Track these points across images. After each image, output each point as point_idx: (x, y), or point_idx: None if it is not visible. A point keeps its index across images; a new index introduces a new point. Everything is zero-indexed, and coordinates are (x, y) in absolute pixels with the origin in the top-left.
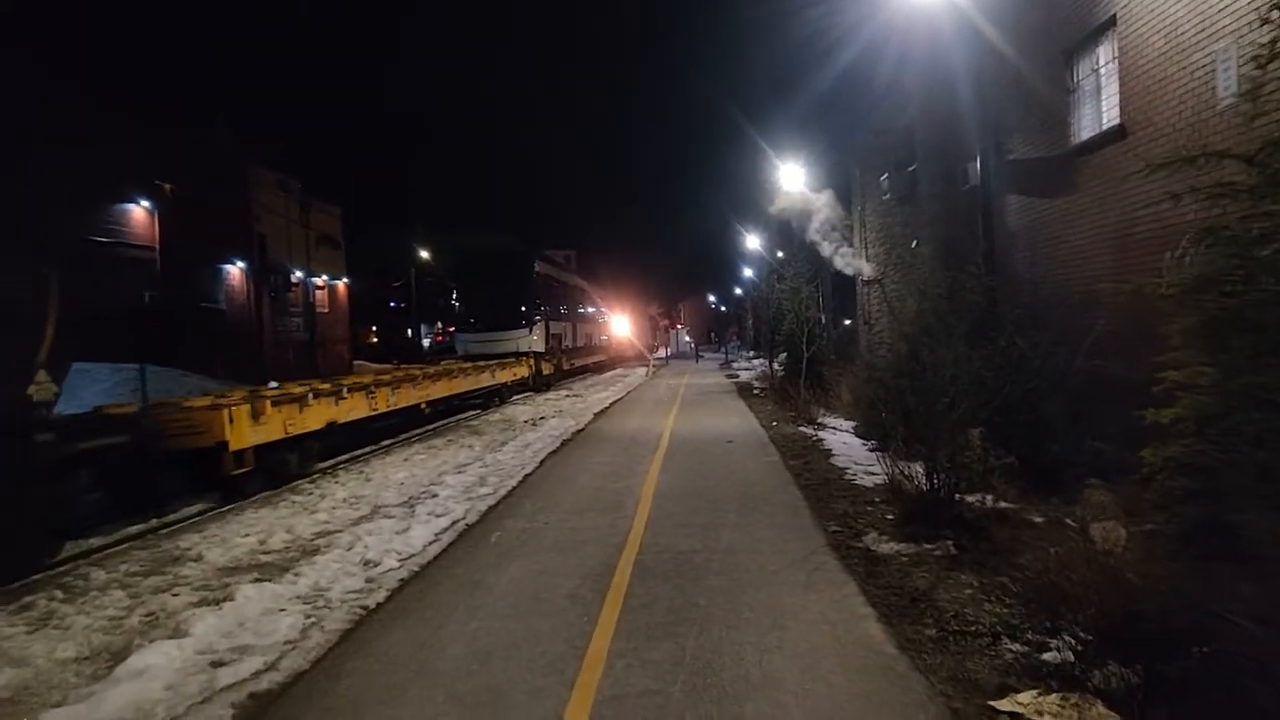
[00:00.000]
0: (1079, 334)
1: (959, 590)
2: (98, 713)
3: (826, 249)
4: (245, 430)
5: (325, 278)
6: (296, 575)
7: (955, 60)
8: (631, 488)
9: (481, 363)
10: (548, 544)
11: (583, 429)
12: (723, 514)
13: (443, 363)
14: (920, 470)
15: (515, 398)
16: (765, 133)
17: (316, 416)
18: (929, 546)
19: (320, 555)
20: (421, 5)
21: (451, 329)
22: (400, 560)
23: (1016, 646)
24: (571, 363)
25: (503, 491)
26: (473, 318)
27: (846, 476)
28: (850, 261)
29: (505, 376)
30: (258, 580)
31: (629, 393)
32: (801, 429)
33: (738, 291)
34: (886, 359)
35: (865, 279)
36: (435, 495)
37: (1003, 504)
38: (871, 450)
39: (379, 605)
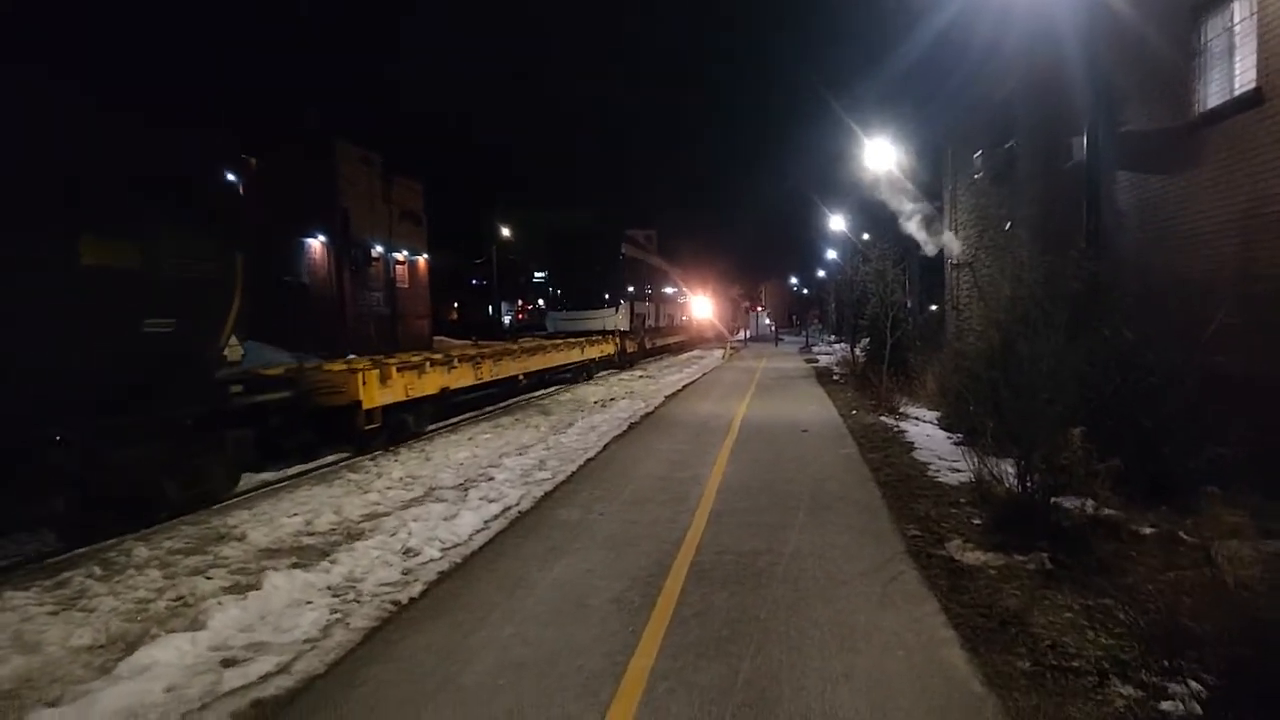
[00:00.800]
0: (1195, 327)
1: (1057, 614)
2: (86, 717)
3: (914, 230)
4: (375, 391)
5: (406, 253)
6: (333, 562)
7: (1062, 24)
8: (696, 478)
9: (571, 339)
10: (600, 539)
11: (652, 412)
12: (792, 512)
13: (522, 339)
14: (1011, 471)
15: (589, 379)
16: (852, 108)
17: (432, 383)
18: (1021, 559)
19: (362, 540)
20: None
21: (529, 306)
22: (442, 550)
23: (1128, 690)
24: (654, 342)
25: (561, 477)
26: (562, 296)
27: (929, 473)
28: (940, 242)
29: (594, 353)
30: (294, 566)
31: (704, 375)
32: (882, 419)
33: (820, 274)
34: (976, 347)
35: (955, 262)
36: (491, 479)
37: (1106, 511)
38: (957, 445)
39: (411, 601)
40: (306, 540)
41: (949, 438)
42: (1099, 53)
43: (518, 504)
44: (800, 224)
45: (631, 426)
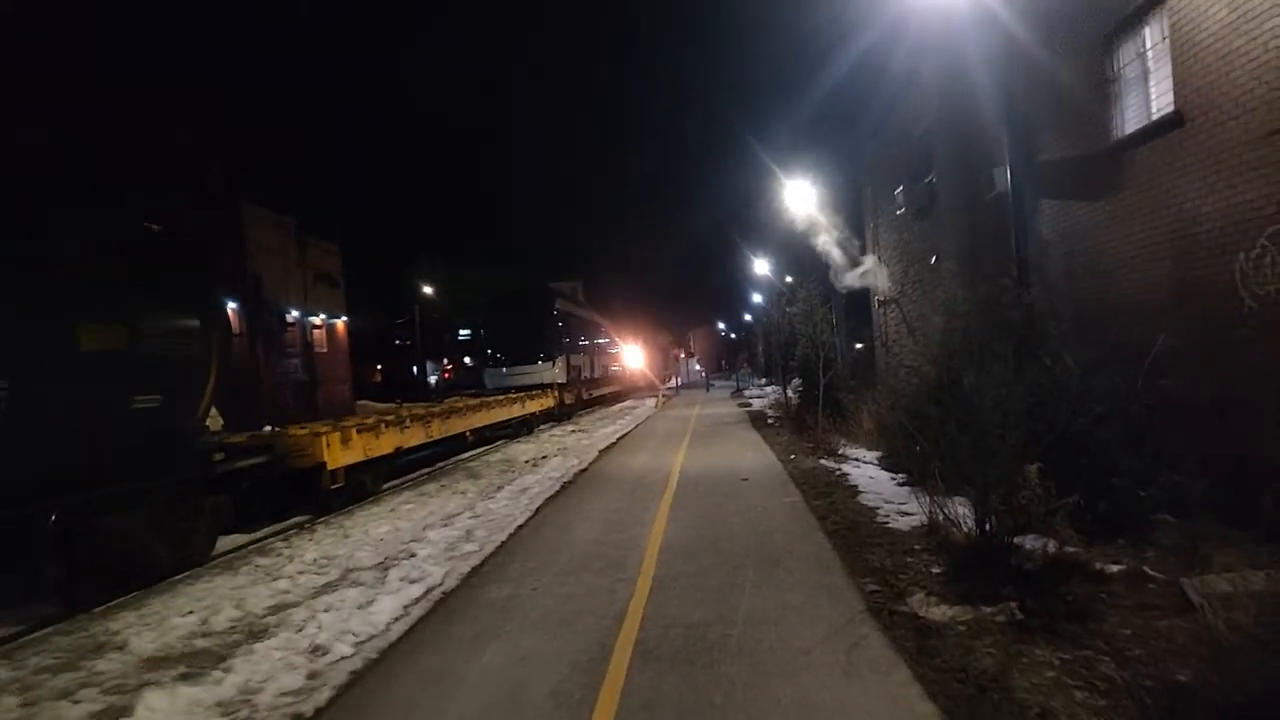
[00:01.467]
0: (1135, 352)
1: (1038, 673)
2: None
3: (838, 269)
4: (337, 453)
5: (323, 316)
6: (226, 670)
7: (976, 59)
8: (635, 540)
9: (513, 395)
10: (534, 618)
11: (586, 469)
12: (740, 571)
13: (450, 399)
14: (966, 512)
15: (529, 433)
16: (772, 148)
17: (388, 443)
18: (989, 610)
19: (264, 640)
20: (427, 27)
21: (454, 365)
22: (355, 645)
23: None
24: (590, 393)
25: (490, 548)
26: (499, 353)
27: (879, 519)
28: (864, 279)
29: (534, 407)
30: (181, 678)
31: (637, 426)
32: (822, 462)
33: (747, 318)
34: (913, 384)
35: (882, 299)
36: (414, 555)
37: (1068, 549)
38: (901, 485)
39: (318, 712)
40: (199, 643)
41: (893, 479)
42: (1013, 84)
43: (442, 583)
44: (725, 268)
45: (565, 486)
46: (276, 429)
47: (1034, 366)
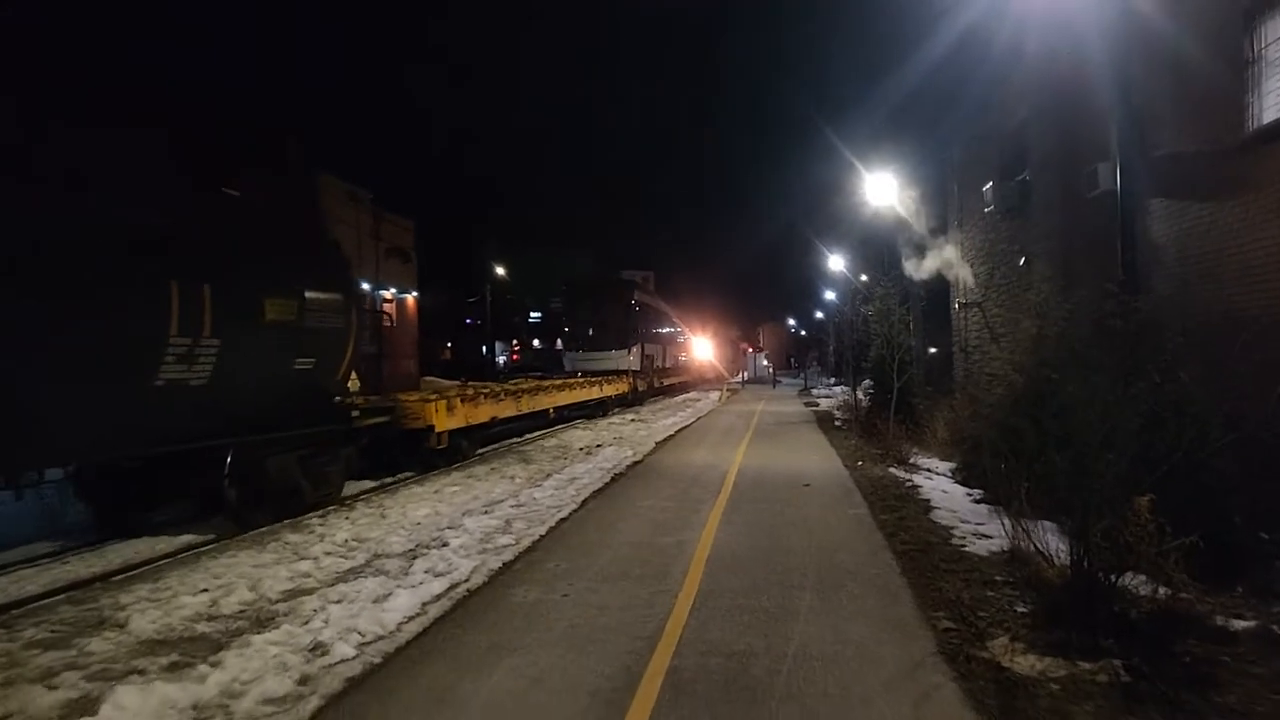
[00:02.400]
0: (1259, 372)
1: None
2: None
3: (916, 268)
4: (443, 418)
5: (394, 291)
6: (215, 665)
7: (1085, 41)
8: (682, 545)
9: (592, 378)
10: (559, 631)
11: (640, 461)
12: (795, 593)
13: (516, 380)
14: (1058, 543)
15: (605, 415)
16: (852, 144)
17: (484, 412)
18: (1088, 665)
19: (267, 630)
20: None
21: (523, 347)
22: (359, 646)
23: None
24: (661, 381)
25: (527, 542)
26: (579, 338)
27: (953, 541)
28: (949, 273)
29: (610, 390)
30: (168, 669)
31: (698, 419)
32: (891, 470)
33: (818, 315)
34: (996, 393)
35: (963, 302)
36: (446, 544)
37: (1181, 596)
38: (978, 503)
39: None
40: (200, 628)
41: (969, 495)
42: (1127, 69)
43: (468, 579)
44: (798, 264)
45: (615, 479)
46: (394, 395)
47: (1142, 383)
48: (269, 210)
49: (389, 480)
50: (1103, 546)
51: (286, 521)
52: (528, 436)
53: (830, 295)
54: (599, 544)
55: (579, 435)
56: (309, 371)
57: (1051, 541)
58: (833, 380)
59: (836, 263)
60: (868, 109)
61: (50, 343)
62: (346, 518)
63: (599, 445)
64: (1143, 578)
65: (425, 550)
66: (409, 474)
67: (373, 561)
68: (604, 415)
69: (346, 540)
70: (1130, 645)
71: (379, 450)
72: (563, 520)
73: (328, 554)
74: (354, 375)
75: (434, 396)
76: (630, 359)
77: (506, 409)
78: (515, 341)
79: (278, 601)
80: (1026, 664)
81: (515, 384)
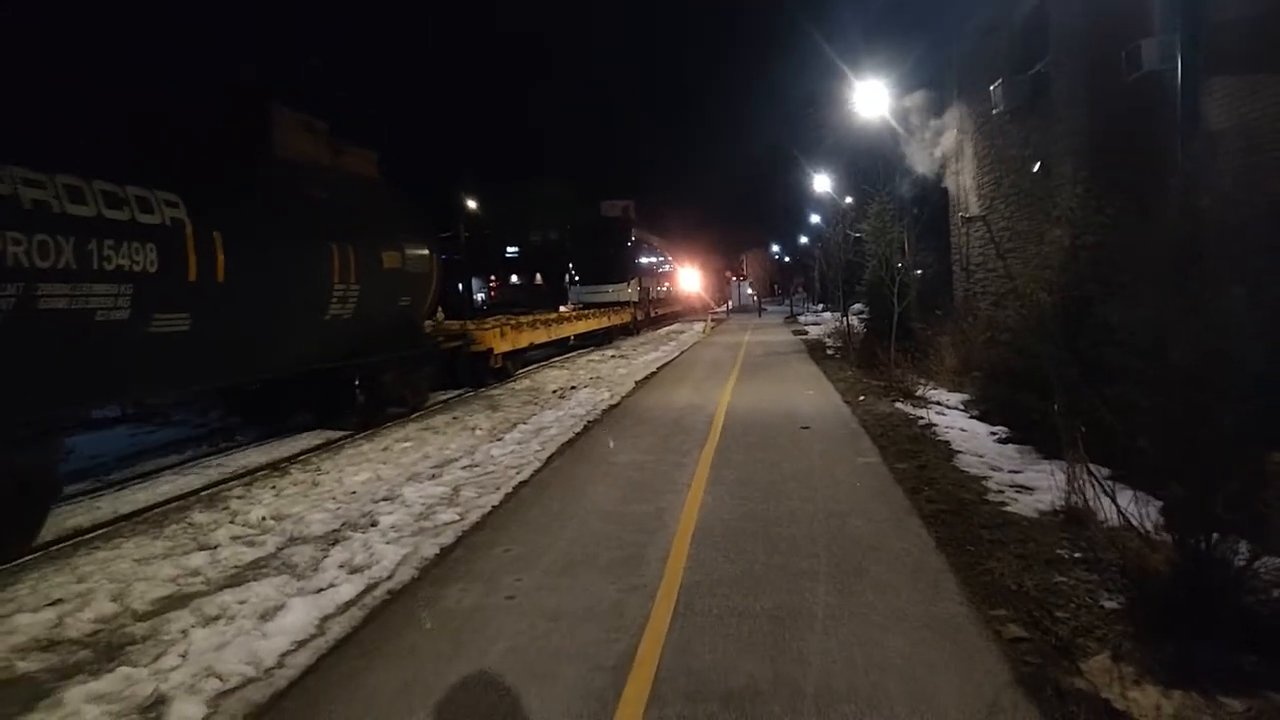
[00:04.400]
0: None
1: None
2: None
3: (912, 182)
4: (499, 343)
5: None
6: None
7: None
8: (662, 515)
9: (599, 310)
10: (493, 658)
11: (617, 404)
12: (805, 583)
13: (495, 317)
14: (1130, 504)
15: (610, 343)
16: (840, 48)
17: (525, 339)
18: (1230, 700)
19: (101, 674)
20: None
21: (498, 283)
22: (211, 701)
23: None
24: (655, 311)
25: (474, 516)
26: (584, 273)
27: (990, 496)
28: (947, 186)
29: (616, 320)
30: None
31: (681, 353)
32: (898, 405)
33: (803, 240)
34: (1017, 315)
35: (965, 216)
36: (376, 523)
37: None
38: (1004, 443)
39: None
40: (21, 667)
41: (992, 434)
42: None
43: (391, 576)
44: (781, 187)
45: (588, 427)
46: (465, 324)
47: (1216, 300)
48: (370, 178)
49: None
50: (1231, 520)
51: (205, 492)
52: (495, 386)
53: (815, 219)
54: (561, 516)
55: (554, 375)
56: (408, 307)
57: (1130, 507)
58: (820, 306)
59: (822, 183)
60: (857, 5)
61: (286, 286)
62: (273, 486)
63: (573, 387)
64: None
65: (349, 533)
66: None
67: (282, 550)
68: (609, 344)
69: (262, 519)
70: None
71: (452, 368)
72: (522, 485)
73: (234, 539)
74: (440, 310)
75: (490, 325)
76: (629, 292)
77: (540, 335)
78: (493, 277)
79: (137, 620)
80: (1148, 703)
81: (544, 316)
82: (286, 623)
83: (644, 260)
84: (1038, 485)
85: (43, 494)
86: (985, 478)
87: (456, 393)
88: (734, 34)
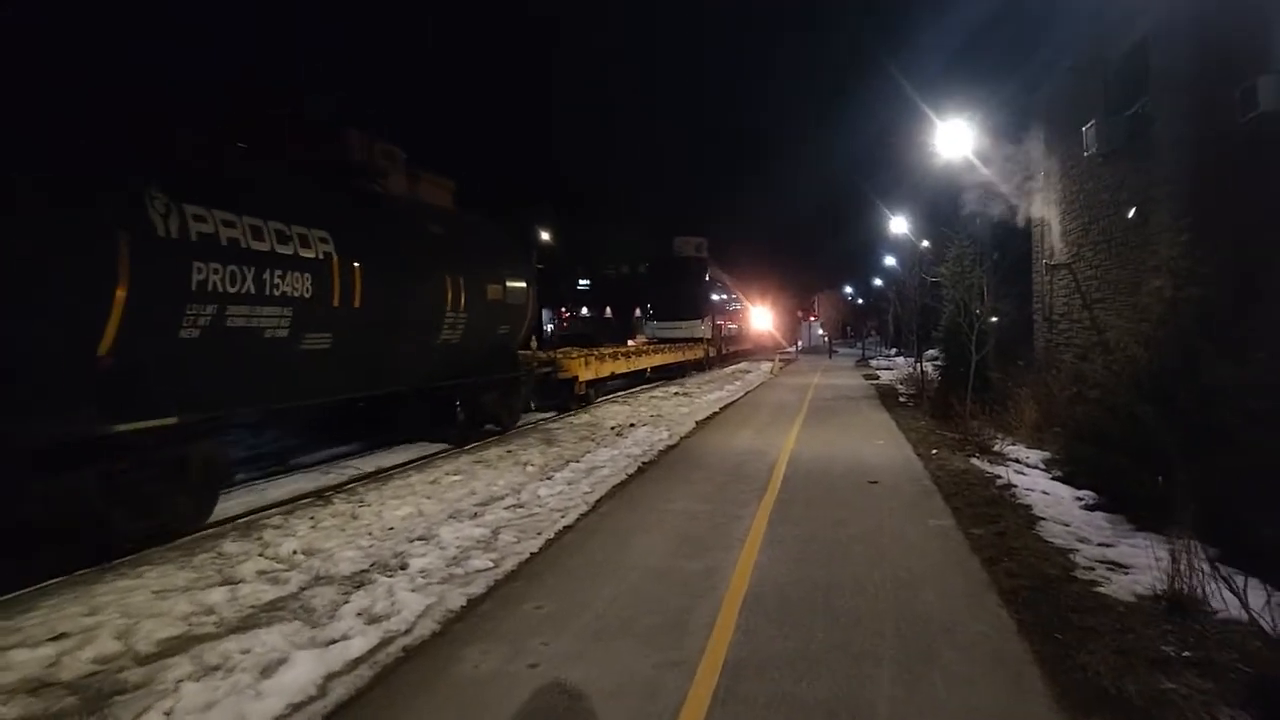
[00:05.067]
0: None
1: None
2: None
3: (995, 225)
4: (584, 371)
5: None
6: None
7: None
8: (712, 574)
9: (675, 345)
10: None
11: (675, 445)
12: (867, 668)
13: (565, 349)
14: (1255, 599)
15: (683, 376)
16: (921, 88)
17: (607, 368)
18: None
19: None
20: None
21: (567, 315)
22: None
23: None
24: (728, 348)
25: (510, 564)
26: (659, 309)
27: (1079, 572)
28: (1031, 231)
29: (690, 355)
30: None
31: (747, 393)
32: (974, 462)
33: (877, 282)
34: (1107, 370)
35: (1050, 262)
36: (406, 566)
37: None
38: (1090, 509)
39: None
40: (3, 712)
41: (1078, 499)
42: None
43: (410, 629)
44: (855, 228)
45: (642, 469)
46: (554, 352)
47: None
48: (472, 217)
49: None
50: None
51: (239, 520)
52: (553, 417)
53: (890, 261)
54: (603, 569)
55: (614, 411)
56: (506, 334)
57: (1240, 593)
58: (894, 351)
59: (899, 224)
60: (939, 43)
61: (407, 312)
62: (312, 517)
63: (632, 425)
64: None
65: (376, 575)
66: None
67: (304, 591)
68: (682, 377)
69: (292, 553)
70: None
71: (542, 392)
72: (566, 530)
73: (259, 574)
74: (534, 338)
75: (576, 355)
76: (703, 328)
77: (621, 366)
78: (565, 310)
79: (141, 661)
80: None
81: (624, 349)
82: (287, 680)
83: (716, 298)
84: (1134, 563)
85: (220, 475)
86: (1072, 550)
87: (543, 415)
88: (813, 70)
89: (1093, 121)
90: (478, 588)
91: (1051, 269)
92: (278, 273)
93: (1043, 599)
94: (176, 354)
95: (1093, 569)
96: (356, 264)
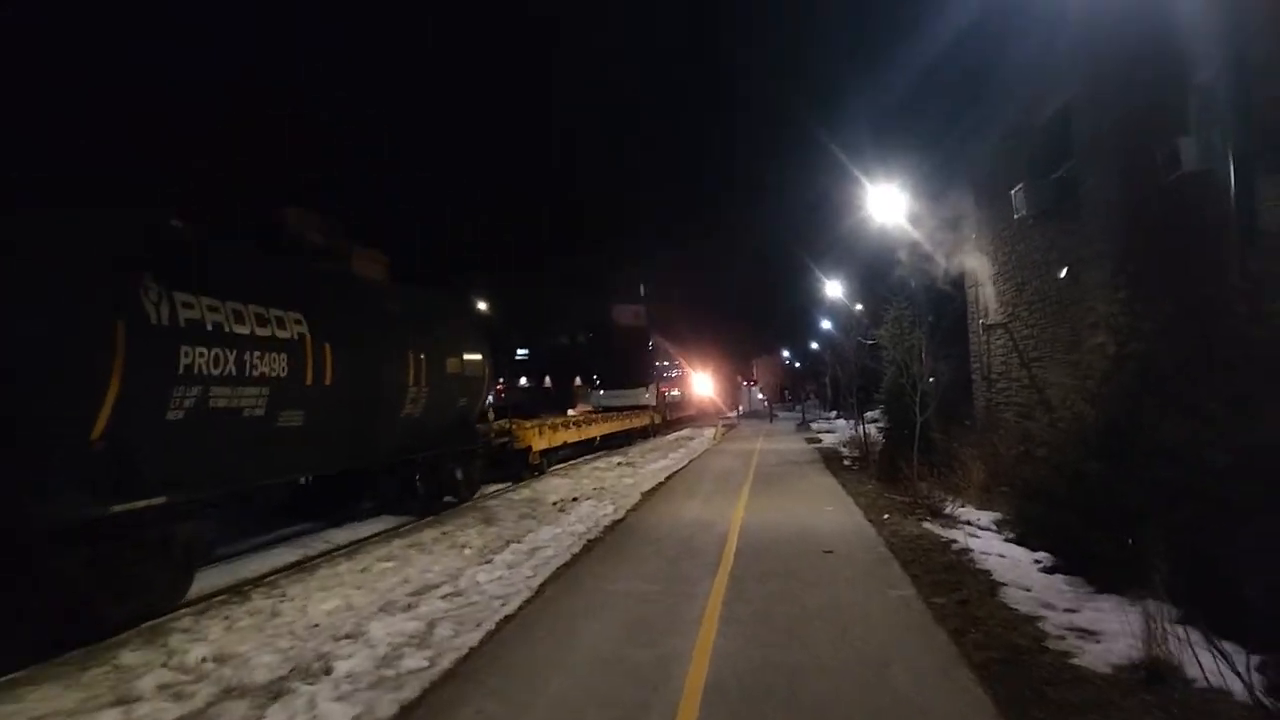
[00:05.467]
0: None
1: None
2: None
3: (929, 287)
4: (538, 441)
5: None
6: None
7: None
8: (666, 664)
9: (624, 413)
10: None
11: (621, 519)
12: None
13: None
14: (1229, 663)
15: (629, 444)
16: (853, 153)
17: (559, 438)
18: None
19: None
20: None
21: (503, 386)
22: None
23: None
24: (671, 415)
25: (445, 663)
26: (603, 378)
27: (1050, 641)
28: (965, 292)
29: (637, 423)
30: None
31: (691, 461)
32: (926, 526)
33: (814, 346)
34: (1052, 429)
35: (986, 324)
36: (330, 671)
37: None
38: (1049, 572)
39: None
40: None
41: (1036, 561)
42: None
43: None
44: (791, 293)
45: (587, 547)
46: (509, 424)
47: None
48: (428, 293)
49: (309, 557)
50: None
51: (153, 623)
52: (497, 489)
53: (826, 324)
54: (548, 664)
55: (556, 484)
56: (465, 406)
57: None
58: (833, 413)
59: (834, 288)
60: (870, 110)
61: (373, 388)
62: (226, 617)
63: (574, 499)
64: None
65: (296, 684)
66: (384, 529)
67: (211, 708)
68: (629, 445)
69: (201, 660)
70: None
71: (498, 461)
72: (508, 620)
73: (161, 689)
74: (490, 406)
75: (530, 425)
76: (648, 396)
77: (572, 435)
78: (500, 380)
79: None
80: None
81: (574, 419)
82: None
83: (660, 365)
84: (1103, 629)
85: (200, 555)
86: (1039, 617)
87: (494, 488)
88: (743, 136)
89: (1020, 185)
90: (411, 691)
91: (988, 329)
92: (256, 354)
93: (1016, 673)
94: (163, 435)
95: (1063, 638)
96: (327, 344)
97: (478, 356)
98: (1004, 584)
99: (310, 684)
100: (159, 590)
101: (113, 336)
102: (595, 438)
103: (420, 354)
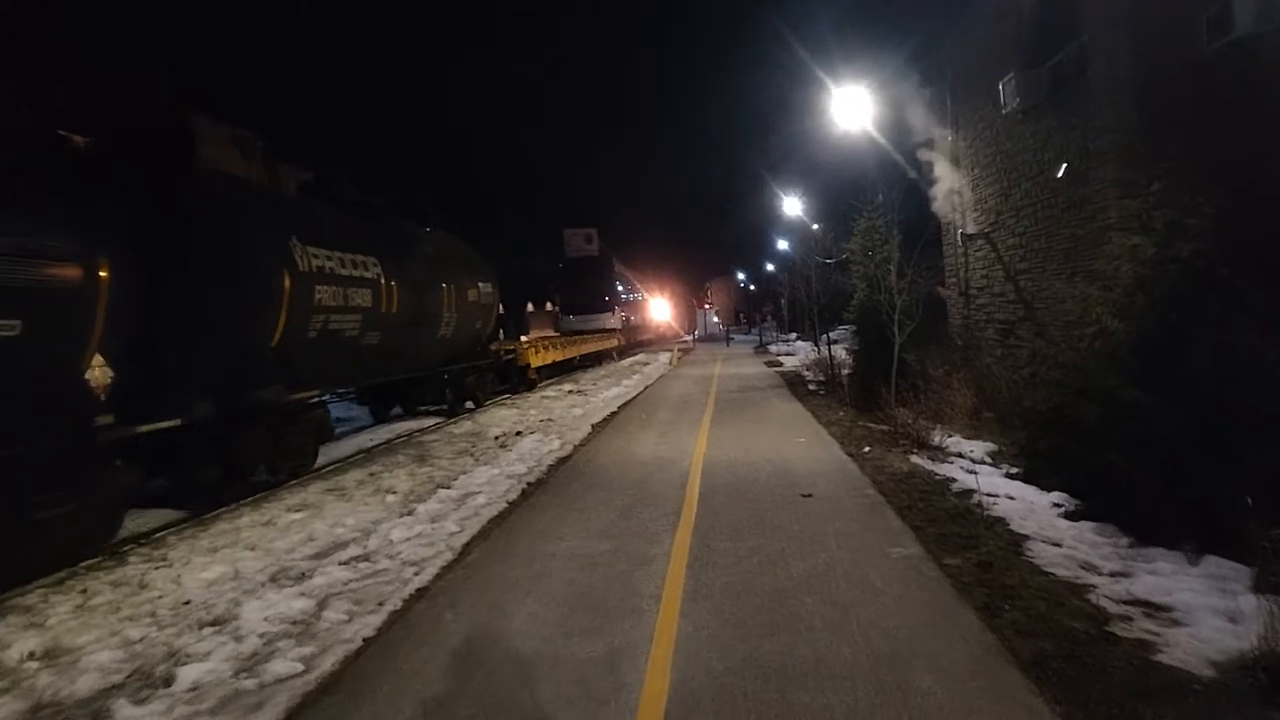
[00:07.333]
0: None
1: None
2: None
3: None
4: (534, 359)
5: None
6: None
7: None
8: (617, 662)
9: (596, 335)
10: None
11: (568, 457)
12: None
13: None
14: None
15: (598, 365)
16: (816, 53)
17: (551, 356)
18: None
19: None
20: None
21: None
22: None
23: None
24: (634, 338)
25: (328, 663)
26: (572, 304)
27: (1114, 625)
28: (942, 201)
29: (608, 344)
30: None
31: (647, 388)
32: (915, 460)
33: (770, 268)
34: (1071, 349)
35: (967, 234)
36: (173, 679)
37: None
38: (1072, 517)
39: None
40: None
41: (1055, 505)
42: None
43: None
44: (747, 210)
45: (527, 492)
46: (510, 342)
47: None
48: (450, 237)
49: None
50: None
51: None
52: (437, 422)
53: (784, 244)
54: (461, 664)
55: (504, 414)
56: (480, 329)
57: None
58: (792, 336)
59: (793, 206)
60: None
61: (421, 314)
62: (83, 590)
63: (518, 432)
64: None
65: (120, 703)
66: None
67: None
68: (599, 365)
69: (25, 657)
70: None
71: (501, 376)
72: (419, 594)
73: None
74: (502, 332)
75: (526, 344)
76: (613, 320)
77: (559, 355)
78: None
79: None
80: None
81: (560, 340)
82: None
83: (622, 291)
84: (1176, 603)
85: (328, 432)
86: (1086, 586)
87: (500, 396)
88: (694, 33)
89: (1010, 75)
90: (271, 714)
91: (967, 240)
92: (352, 289)
93: (1085, 676)
94: (306, 348)
95: (1129, 618)
96: (394, 280)
97: (489, 288)
98: (1027, 536)
99: (139, 703)
100: (307, 457)
101: (283, 280)
102: (575, 357)
103: (451, 286)
